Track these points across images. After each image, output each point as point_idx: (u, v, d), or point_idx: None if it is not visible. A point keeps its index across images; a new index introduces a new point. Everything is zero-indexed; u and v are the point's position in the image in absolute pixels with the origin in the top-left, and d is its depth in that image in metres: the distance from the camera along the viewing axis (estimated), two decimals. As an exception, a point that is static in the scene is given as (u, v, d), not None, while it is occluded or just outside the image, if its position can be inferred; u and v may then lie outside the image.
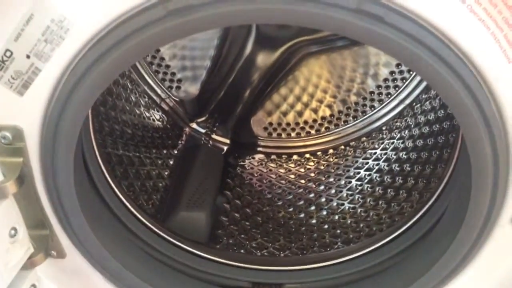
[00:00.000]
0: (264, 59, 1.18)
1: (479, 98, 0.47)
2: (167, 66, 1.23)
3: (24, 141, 0.55)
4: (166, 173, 1.16)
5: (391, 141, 1.20)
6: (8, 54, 0.48)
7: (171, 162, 1.20)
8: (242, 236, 1.05)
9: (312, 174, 1.26)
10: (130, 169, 1.05)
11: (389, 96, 1.23)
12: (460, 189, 0.69)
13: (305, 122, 1.30)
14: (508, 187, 0.56)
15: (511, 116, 0.50)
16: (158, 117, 1.25)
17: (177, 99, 1.25)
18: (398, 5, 0.45)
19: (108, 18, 0.47)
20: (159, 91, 1.24)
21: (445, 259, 0.64)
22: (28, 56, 0.49)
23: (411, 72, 1.19)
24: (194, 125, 1.27)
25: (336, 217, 1.10)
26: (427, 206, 0.83)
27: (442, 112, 1.05)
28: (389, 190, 1.09)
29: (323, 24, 0.45)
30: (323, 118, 1.29)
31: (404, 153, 1.13)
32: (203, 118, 1.26)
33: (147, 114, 1.22)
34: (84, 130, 0.72)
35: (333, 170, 1.24)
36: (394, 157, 1.15)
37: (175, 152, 1.23)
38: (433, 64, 0.46)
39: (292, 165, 1.29)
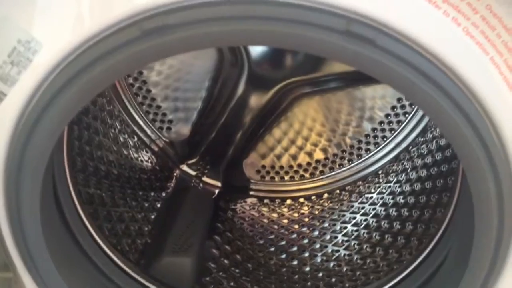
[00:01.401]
0: (256, 100, 1.17)
1: (479, 127, 0.43)
2: (158, 107, 1.22)
3: (-14, 174, 0.50)
4: (152, 216, 1.12)
5: (388, 185, 1.17)
6: (-30, 77, 0.44)
7: (158, 205, 1.15)
8: (231, 284, 1.00)
9: (306, 219, 1.22)
10: (114, 212, 1.00)
11: (385, 139, 1.22)
12: (461, 233, 0.64)
13: (299, 166, 1.27)
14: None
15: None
16: (146, 158, 1.22)
17: (167, 140, 1.22)
18: (389, 28, 0.42)
19: (79, 39, 0.44)
20: (149, 132, 1.22)
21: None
22: (-7, 80, 0.45)
23: (406, 115, 1.18)
24: (184, 167, 1.24)
25: (331, 264, 1.05)
26: (426, 252, 0.79)
27: (440, 155, 1.03)
28: (386, 236, 1.04)
29: (310, 47, 0.42)
30: (317, 161, 1.27)
31: (401, 197, 1.09)
32: (193, 160, 1.24)
33: (135, 155, 1.19)
34: (58, 167, 0.68)
35: (327, 215, 1.20)
36: (391, 201, 1.11)
37: (163, 194, 1.19)
38: (429, 91, 0.42)
39: (286, 210, 1.26)
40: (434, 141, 1.07)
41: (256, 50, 1.10)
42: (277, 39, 0.42)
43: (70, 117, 0.46)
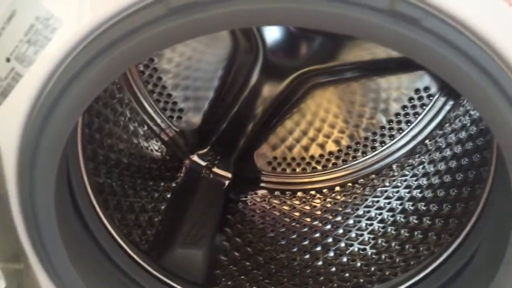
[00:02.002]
0: (270, 90, 1.15)
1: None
2: (169, 95, 1.19)
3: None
4: (162, 207, 1.10)
5: (403, 178, 1.15)
6: (-15, 56, 0.42)
7: (169, 196, 1.14)
8: (242, 277, 0.99)
9: (318, 212, 1.20)
10: (124, 201, 0.99)
11: (401, 131, 1.19)
12: (492, 231, 0.61)
13: (312, 157, 1.25)
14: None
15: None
16: (157, 147, 1.20)
17: (177, 130, 1.20)
18: (436, 8, 0.39)
19: (101, 17, 0.41)
20: (159, 121, 1.19)
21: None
22: (8, 60, 0.42)
23: (424, 107, 1.16)
24: (194, 157, 1.22)
25: (345, 259, 1.03)
26: (450, 250, 0.76)
27: (459, 148, 1.00)
28: (402, 231, 1.02)
29: (350, 28, 0.39)
30: (330, 153, 1.24)
31: (418, 191, 1.07)
32: (204, 150, 1.21)
33: (146, 144, 1.17)
34: (72, 155, 0.66)
35: (340, 209, 1.18)
36: (407, 195, 1.09)
37: (173, 185, 1.18)
38: (475, 77, 0.40)
39: (297, 202, 1.24)
40: (453, 134, 1.05)
41: (272, 38, 1.07)
42: (314, 19, 0.39)
43: (90, 99, 0.43)
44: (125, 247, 0.81)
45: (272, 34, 1.07)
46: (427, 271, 0.77)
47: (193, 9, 0.39)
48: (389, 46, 0.40)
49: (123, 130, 1.09)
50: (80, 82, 0.42)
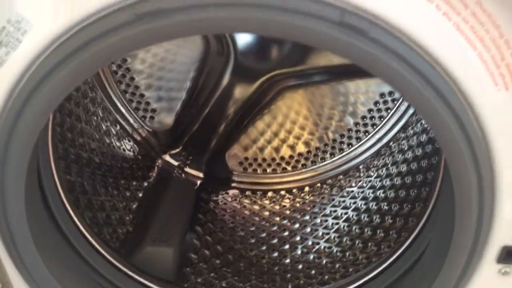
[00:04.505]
0: (241, 91, 1.17)
1: (463, 120, 0.44)
2: (142, 96, 1.20)
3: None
4: (134, 206, 1.11)
5: (369, 179, 1.18)
6: (-44, 56, 0.43)
7: (140, 195, 1.15)
8: (212, 275, 1.00)
9: (287, 212, 1.22)
10: (95, 200, 0.99)
11: (367, 134, 1.23)
12: (440, 229, 0.65)
13: (282, 158, 1.27)
14: (494, 222, 0.53)
15: (498, 145, 0.48)
16: (129, 147, 1.21)
17: (150, 130, 1.21)
18: (383, 21, 0.43)
19: (70, 21, 0.43)
20: (131, 121, 1.20)
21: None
22: (-21, 60, 0.44)
23: (388, 111, 1.19)
24: (167, 157, 1.23)
25: (311, 256, 1.06)
26: (404, 246, 0.80)
27: (420, 150, 1.05)
28: (366, 229, 1.06)
29: (304, 37, 0.42)
30: (300, 154, 1.27)
31: (381, 191, 1.11)
32: (176, 150, 1.23)
33: (118, 144, 1.18)
34: (43, 154, 0.67)
35: (309, 208, 1.21)
36: (372, 195, 1.13)
37: (145, 184, 1.18)
38: (416, 83, 0.43)
39: (267, 202, 1.26)
40: (415, 137, 1.09)
41: (243, 41, 1.10)
42: (271, 28, 0.42)
43: (58, 100, 0.45)
44: (96, 245, 0.81)
45: (243, 37, 1.09)
46: (385, 265, 0.80)
47: (158, 16, 0.41)
48: (340, 55, 0.43)
49: (95, 129, 1.10)
50: (50, 82, 0.44)
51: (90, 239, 0.81)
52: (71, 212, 0.76)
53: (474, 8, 0.42)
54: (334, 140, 1.24)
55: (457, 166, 0.47)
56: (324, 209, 1.19)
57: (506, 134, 0.46)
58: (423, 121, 1.08)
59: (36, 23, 0.43)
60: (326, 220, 1.15)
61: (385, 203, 1.06)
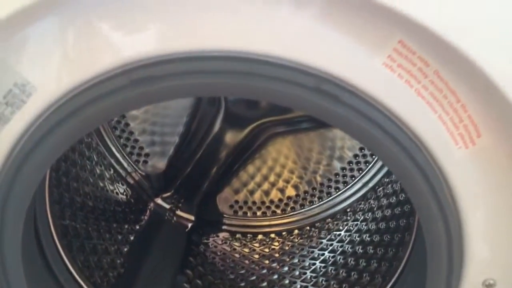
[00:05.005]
0: (232, 137, 1.20)
1: (431, 179, 0.49)
2: (136, 140, 1.24)
3: (-27, 208, 0.53)
4: (125, 249, 1.12)
5: (355, 223, 1.21)
6: (-35, 115, 0.48)
7: (132, 238, 1.16)
8: (202, 318, 1.01)
9: (277, 255, 1.24)
10: (88, 244, 1.01)
11: (353, 178, 1.26)
12: (417, 273, 0.68)
13: (271, 201, 1.30)
14: (464, 263, 0.56)
15: (462, 195, 0.52)
16: (122, 190, 1.23)
17: (143, 174, 1.24)
18: (352, 86, 0.47)
19: (71, 84, 0.48)
20: (125, 165, 1.23)
21: None
22: (-14, 118, 0.49)
23: (373, 156, 1.23)
24: (159, 200, 1.25)
25: (300, 300, 1.07)
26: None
27: (403, 195, 1.08)
28: (352, 273, 1.07)
29: (285, 101, 0.47)
30: (289, 198, 1.29)
31: (367, 235, 1.13)
32: (168, 194, 1.25)
33: (111, 187, 1.20)
34: (39, 199, 0.70)
35: (297, 251, 1.23)
36: (358, 239, 1.15)
37: (137, 227, 1.19)
38: (386, 144, 0.48)
39: (257, 245, 1.27)
40: (398, 183, 1.12)
41: (233, 91, 1.14)
42: (254, 92, 0.47)
43: (56, 156, 0.49)
44: (85, 288, 0.83)
45: (234, 87, 1.14)
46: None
47: (151, 81, 0.46)
48: (317, 117, 0.48)
49: (90, 173, 1.12)
50: (50, 140, 0.48)
51: (81, 282, 0.83)
52: (63, 255, 0.78)
53: (432, 76, 0.47)
54: (322, 184, 1.27)
55: (425, 213, 0.51)
56: (312, 252, 1.20)
57: (468, 185, 0.51)
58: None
59: (40, 87, 0.48)
60: (314, 264, 1.16)
61: (371, 247, 1.08)
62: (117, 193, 1.21)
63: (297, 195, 1.29)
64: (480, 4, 0.42)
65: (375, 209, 1.17)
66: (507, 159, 0.49)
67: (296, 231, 1.29)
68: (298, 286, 1.11)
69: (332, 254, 1.16)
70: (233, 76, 0.47)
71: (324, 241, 1.22)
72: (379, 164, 1.22)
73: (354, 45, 0.46)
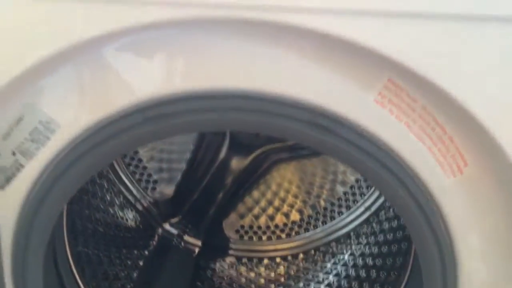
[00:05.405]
0: (237, 164, 1.23)
1: (423, 205, 0.53)
2: (144, 168, 1.27)
3: (-1, 235, 0.57)
4: (135, 274, 1.14)
5: (359, 246, 1.22)
6: (-6, 151, 0.52)
7: (141, 263, 1.18)
8: None
9: (282, 279, 1.25)
10: (99, 269, 1.04)
11: (355, 202, 1.28)
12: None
13: (276, 226, 1.31)
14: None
15: (454, 224, 0.56)
16: (131, 216, 1.25)
17: (151, 200, 1.26)
18: (346, 120, 0.52)
19: (90, 122, 0.52)
20: (134, 191, 1.25)
21: None
22: (13, 153, 0.53)
23: (375, 181, 1.25)
24: (167, 226, 1.27)
25: (305, 325, 1.09)
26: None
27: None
28: (355, 297, 1.09)
29: (283, 134, 0.51)
30: (293, 222, 1.31)
31: (370, 258, 1.14)
32: (176, 219, 1.27)
33: (121, 214, 1.22)
34: (58, 228, 0.74)
35: (303, 275, 1.24)
36: (361, 263, 1.16)
37: (146, 253, 1.22)
38: (380, 172, 0.52)
39: (263, 269, 1.28)
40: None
41: (238, 120, 1.18)
42: (255, 126, 0.51)
43: (77, 187, 0.54)
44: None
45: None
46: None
47: (163, 119, 0.51)
48: (314, 148, 0.52)
49: (101, 200, 1.15)
50: (71, 173, 0.52)
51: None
52: (80, 283, 0.81)
53: (420, 111, 0.51)
54: (326, 209, 1.28)
55: (418, 238, 0.55)
56: (317, 276, 1.22)
57: (458, 211, 0.55)
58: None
59: (63, 124, 0.53)
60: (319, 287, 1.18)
61: (374, 270, 1.09)
62: (126, 219, 1.23)
63: (302, 220, 1.30)
64: (459, 48, 0.47)
65: (377, 233, 1.18)
66: (492, 186, 0.52)
67: (301, 255, 1.30)
68: (303, 310, 1.12)
69: (336, 278, 1.18)
70: (237, 112, 0.51)
71: (329, 265, 1.23)
72: (381, 189, 1.24)
73: (347, 82, 0.51)
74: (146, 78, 0.52)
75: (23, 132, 0.53)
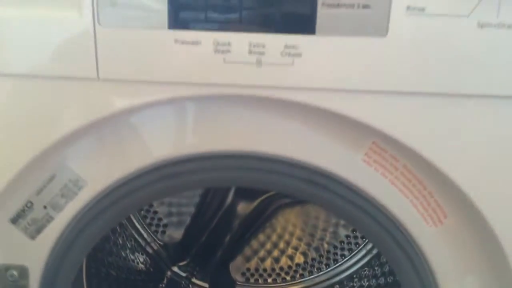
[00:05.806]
0: (244, 208, 1.27)
1: (410, 253, 0.59)
2: (155, 212, 1.31)
3: (28, 279, 0.64)
4: (144, 319, 1.17)
5: (361, 289, 1.25)
6: (29, 204, 0.60)
7: (150, 306, 1.21)
8: None
9: (288, 321, 1.27)
10: (111, 315, 1.07)
11: (357, 245, 1.31)
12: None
13: (281, 269, 1.34)
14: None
15: (438, 271, 0.61)
16: (142, 260, 1.28)
17: (161, 243, 1.30)
18: (338, 177, 0.59)
19: (112, 179, 0.60)
20: (145, 235, 1.29)
21: None
22: (45, 207, 0.61)
23: (376, 224, 1.29)
24: (175, 269, 1.31)
25: None
26: None
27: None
28: None
29: (282, 189, 0.58)
30: (298, 265, 1.33)
31: (372, 301, 1.18)
32: (184, 262, 1.31)
33: (132, 257, 1.26)
34: (78, 272, 0.80)
35: (307, 318, 1.26)
36: (364, 305, 1.19)
37: (155, 295, 1.25)
38: (369, 223, 0.58)
39: (269, 311, 1.31)
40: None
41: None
42: (259, 183, 0.58)
43: (99, 237, 0.60)
44: None
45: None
46: None
47: (176, 176, 0.58)
48: (310, 201, 0.59)
49: (113, 244, 1.20)
50: (94, 225, 0.59)
51: None
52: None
53: (402, 169, 0.58)
54: (329, 251, 1.31)
55: (406, 283, 0.60)
56: (321, 319, 1.24)
57: (441, 259, 0.60)
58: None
59: (89, 181, 0.60)
60: (322, 332, 1.20)
61: (376, 313, 1.13)
62: (137, 262, 1.26)
63: (306, 262, 1.33)
64: (434, 115, 0.54)
65: (379, 275, 1.21)
66: (470, 236, 0.59)
67: (305, 298, 1.33)
68: None
69: (340, 321, 1.20)
70: (241, 171, 0.58)
71: (333, 307, 1.26)
72: (381, 231, 1.28)
73: (339, 145, 0.58)
74: (162, 142, 0.60)
75: (54, 189, 0.60)
